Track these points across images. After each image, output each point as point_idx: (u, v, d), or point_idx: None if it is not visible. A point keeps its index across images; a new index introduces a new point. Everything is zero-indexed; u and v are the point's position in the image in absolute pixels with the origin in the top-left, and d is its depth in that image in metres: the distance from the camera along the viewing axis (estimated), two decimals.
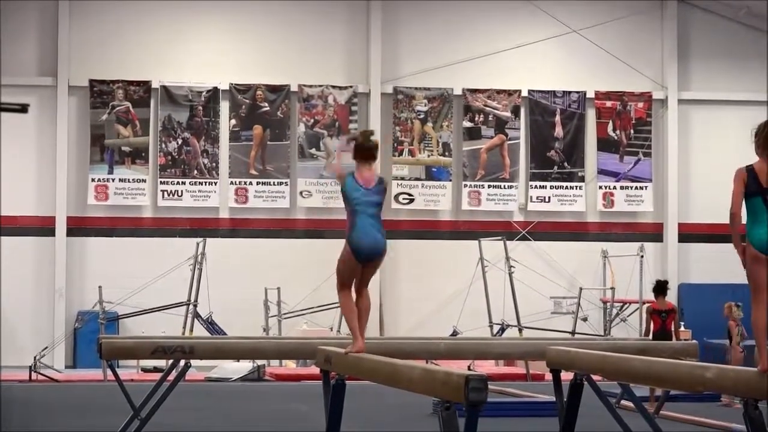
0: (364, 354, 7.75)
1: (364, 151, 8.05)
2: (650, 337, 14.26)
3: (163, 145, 23.14)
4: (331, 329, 21.56)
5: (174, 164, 23.17)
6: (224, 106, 23.41)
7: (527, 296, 21.76)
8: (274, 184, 23.34)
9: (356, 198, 7.93)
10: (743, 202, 6.50)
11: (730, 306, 15.66)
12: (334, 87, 23.69)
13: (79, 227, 22.89)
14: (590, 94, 24.34)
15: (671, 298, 16.28)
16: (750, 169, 6.47)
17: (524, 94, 24.14)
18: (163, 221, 23.16)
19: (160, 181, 23.07)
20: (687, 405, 14.13)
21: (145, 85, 23.13)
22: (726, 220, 6.60)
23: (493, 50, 24.02)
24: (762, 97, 23.82)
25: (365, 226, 7.88)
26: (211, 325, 20.50)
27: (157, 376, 13.28)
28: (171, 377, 10.16)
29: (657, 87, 24.57)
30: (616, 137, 24.42)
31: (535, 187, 24.09)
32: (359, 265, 7.93)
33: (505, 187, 23.98)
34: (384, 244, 8.01)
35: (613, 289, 22.66)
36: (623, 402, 12.83)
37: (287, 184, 23.37)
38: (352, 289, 8.03)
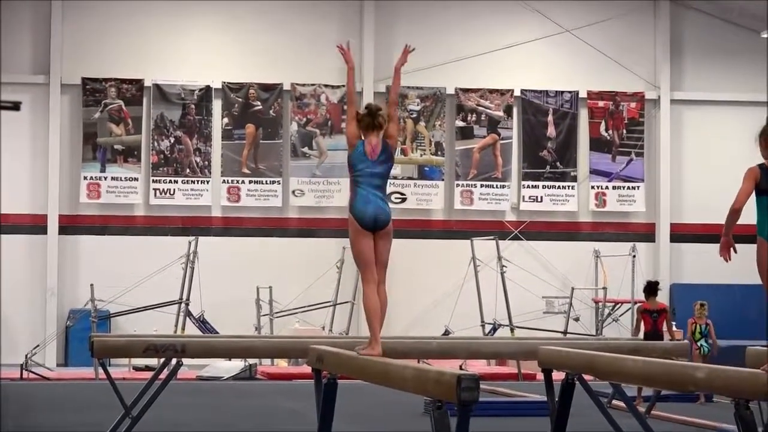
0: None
1: (370, 119, 7.86)
2: (640, 336, 14.29)
3: (156, 144, 23.11)
4: (323, 328, 21.58)
5: (166, 163, 23.15)
6: (217, 105, 23.40)
7: (519, 296, 21.77)
8: (266, 183, 23.33)
9: (360, 170, 7.83)
10: (751, 200, 6.46)
11: (695, 304, 15.93)
12: (326, 86, 23.68)
13: (71, 225, 22.85)
14: (583, 94, 24.36)
15: (663, 298, 16.30)
16: (763, 168, 6.43)
17: (517, 93, 24.14)
18: (155, 220, 23.13)
19: (153, 180, 23.04)
20: (681, 405, 14.13)
21: (138, 83, 23.11)
22: (721, 220, 6.56)
23: (485, 50, 24.02)
24: (754, 97, 23.85)
25: (367, 195, 7.86)
26: (202, 323, 20.48)
27: (149, 374, 13.28)
28: (162, 376, 10.15)
29: (649, 87, 24.59)
30: (608, 137, 24.43)
31: (528, 186, 24.09)
32: (369, 236, 7.83)
33: (497, 187, 23.98)
34: (388, 212, 7.95)
35: (605, 289, 22.66)
36: (615, 402, 12.85)
37: (279, 183, 23.35)
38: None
